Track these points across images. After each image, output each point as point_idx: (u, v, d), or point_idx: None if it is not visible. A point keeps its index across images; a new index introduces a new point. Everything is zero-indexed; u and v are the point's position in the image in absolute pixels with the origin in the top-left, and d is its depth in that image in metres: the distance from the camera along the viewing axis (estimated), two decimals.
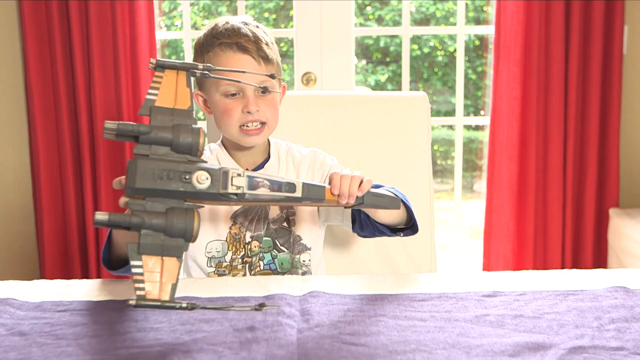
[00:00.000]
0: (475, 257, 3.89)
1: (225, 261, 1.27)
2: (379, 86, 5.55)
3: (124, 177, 0.92)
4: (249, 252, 1.28)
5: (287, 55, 4.47)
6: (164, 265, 0.85)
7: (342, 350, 0.84)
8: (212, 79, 1.16)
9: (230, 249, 1.27)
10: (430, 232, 1.53)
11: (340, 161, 1.35)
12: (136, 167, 0.88)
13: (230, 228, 1.28)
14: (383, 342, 0.86)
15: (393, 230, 1.22)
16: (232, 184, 0.90)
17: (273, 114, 1.25)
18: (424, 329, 0.90)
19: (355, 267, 1.52)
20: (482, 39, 5.38)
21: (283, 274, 1.29)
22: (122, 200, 0.95)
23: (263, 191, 0.92)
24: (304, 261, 1.31)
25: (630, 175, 2.56)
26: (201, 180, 0.89)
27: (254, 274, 1.28)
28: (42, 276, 2.46)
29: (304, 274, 1.30)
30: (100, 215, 0.87)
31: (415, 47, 5.48)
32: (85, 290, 1.07)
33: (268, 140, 1.34)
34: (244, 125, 1.23)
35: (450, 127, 4.64)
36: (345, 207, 1.04)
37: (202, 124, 2.50)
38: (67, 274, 2.45)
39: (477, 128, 5.39)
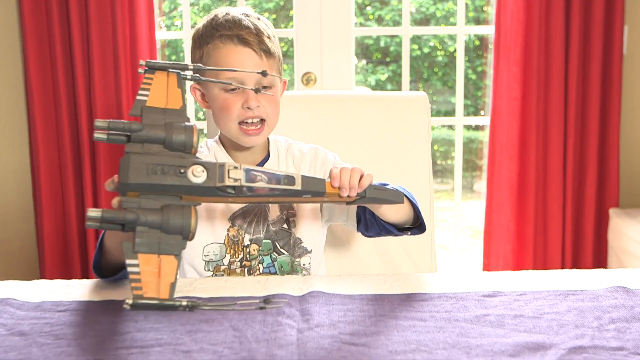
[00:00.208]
0: (475, 257, 3.88)
1: (224, 264, 1.24)
2: (379, 86, 5.55)
3: (116, 176, 0.88)
4: (247, 256, 1.25)
5: (287, 55, 4.47)
6: (161, 264, 0.81)
7: (342, 350, 0.84)
8: (211, 72, 1.16)
9: (228, 252, 1.24)
10: (430, 232, 1.53)
11: (341, 161, 1.35)
12: (129, 162, 0.85)
13: (228, 230, 1.24)
14: (383, 342, 0.86)
15: (400, 229, 1.19)
16: (229, 177, 0.87)
17: (274, 110, 1.22)
18: (424, 329, 0.90)
19: (355, 267, 1.52)
20: (482, 39, 5.38)
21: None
22: (115, 200, 0.90)
23: (261, 184, 0.90)
24: (304, 265, 1.28)
25: (630, 175, 2.56)
26: (197, 174, 0.86)
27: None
28: (42, 276, 2.46)
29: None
30: (93, 212, 0.83)
31: (415, 47, 5.48)
32: (85, 290, 1.06)
33: (267, 137, 1.30)
34: (243, 122, 1.19)
35: (450, 127, 4.64)
36: (347, 203, 1.02)
37: (202, 124, 2.51)
38: (67, 274, 2.45)
39: (477, 128, 5.38)
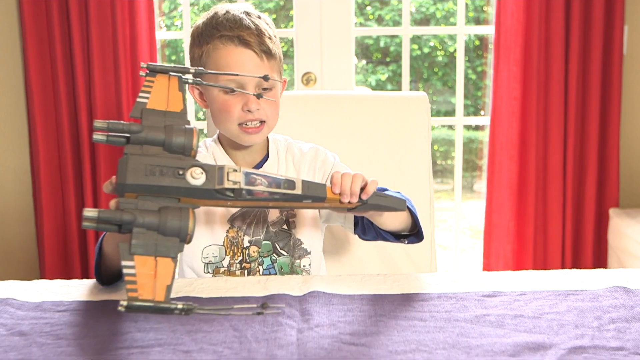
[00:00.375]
0: (475, 257, 3.88)
1: (223, 266, 1.23)
2: (379, 86, 5.55)
3: (114, 177, 0.87)
4: (247, 257, 1.24)
5: (287, 55, 4.47)
6: (157, 266, 0.80)
7: (342, 350, 0.84)
8: (210, 74, 1.14)
9: (227, 253, 1.23)
10: (430, 232, 1.53)
11: (341, 161, 1.34)
12: (127, 162, 0.84)
13: (228, 232, 1.23)
14: (383, 342, 0.86)
15: (397, 236, 1.18)
16: (228, 179, 0.86)
17: (273, 112, 1.21)
18: (424, 329, 0.90)
19: (355, 268, 1.52)
20: (482, 39, 5.38)
21: None
22: (113, 201, 0.88)
23: (261, 188, 0.88)
24: (304, 266, 1.27)
25: (630, 175, 2.56)
26: (196, 176, 0.85)
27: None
28: (42, 276, 2.46)
29: None
30: (90, 212, 0.82)
31: (415, 47, 5.48)
32: (85, 290, 1.06)
33: (267, 136, 1.29)
34: (243, 124, 1.18)
35: (450, 127, 4.64)
36: (348, 210, 1.00)
37: (202, 124, 2.51)
38: (67, 274, 2.45)
39: (477, 128, 5.38)
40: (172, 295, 1.01)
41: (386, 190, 1.14)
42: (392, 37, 5.46)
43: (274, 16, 5.24)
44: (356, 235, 1.27)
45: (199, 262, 1.23)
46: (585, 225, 2.50)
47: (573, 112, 2.42)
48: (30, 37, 2.33)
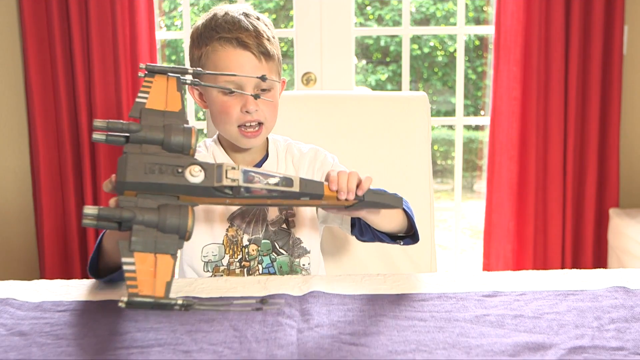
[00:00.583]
0: (475, 257, 3.88)
1: (223, 265, 1.24)
2: (379, 86, 5.55)
3: (114, 175, 0.88)
4: (246, 256, 1.24)
5: (287, 55, 4.47)
6: (157, 263, 0.80)
7: (342, 350, 0.84)
8: (209, 76, 1.16)
9: (227, 252, 1.23)
10: (430, 232, 1.53)
11: (340, 161, 1.34)
12: (127, 161, 0.85)
13: (227, 230, 1.24)
14: (383, 342, 0.86)
15: (393, 237, 1.19)
16: (226, 177, 0.87)
17: (272, 114, 1.21)
18: (424, 329, 0.90)
19: (355, 268, 1.52)
20: (482, 39, 5.38)
21: None
22: (113, 200, 0.89)
23: (259, 185, 0.89)
24: (303, 265, 1.27)
25: (630, 175, 2.56)
26: (194, 173, 0.86)
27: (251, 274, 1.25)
28: (42, 276, 2.46)
29: None
30: (89, 210, 0.83)
31: (415, 47, 5.48)
32: (85, 290, 1.06)
33: (267, 137, 1.30)
34: (242, 126, 1.19)
35: (450, 127, 4.64)
36: (346, 207, 1.01)
37: (201, 124, 2.51)
38: (67, 274, 2.45)
39: (477, 128, 5.38)
40: (172, 295, 1.01)
41: (383, 191, 1.14)
42: (392, 37, 5.47)
43: (273, 16, 5.24)
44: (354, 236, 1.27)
45: (199, 260, 1.24)
46: (585, 225, 2.50)
47: (573, 112, 2.42)
48: (30, 37, 2.33)
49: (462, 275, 1.12)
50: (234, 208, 1.25)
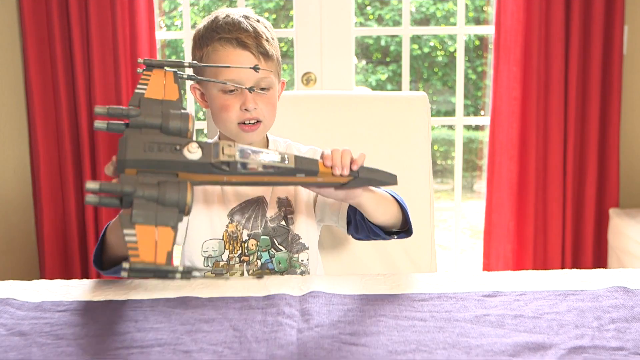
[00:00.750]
0: (475, 257, 3.88)
1: (223, 260, 1.26)
2: (379, 86, 5.55)
3: (115, 157, 0.91)
4: (245, 251, 1.26)
5: (287, 55, 4.47)
6: (158, 234, 0.82)
7: (342, 350, 0.84)
8: (210, 72, 1.21)
9: (227, 247, 1.26)
10: (430, 232, 1.53)
11: None
12: (127, 140, 0.88)
13: (227, 226, 1.27)
14: (383, 342, 0.86)
15: (388, 232, 1.21)
16: (223, 153, 0.90)
17: (270, 112, 1.24)
18: (424, 329, 0.90)
19: (355, 268, 1.52)
20: (482, 39, 5.38)
21: (281, 273, 1.28)
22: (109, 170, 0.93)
23: (255, 160, 0.92)
24: (302, 260, 1.29)
25: (630, 175, 2.56)
26: (192, 150, 0.88)
27: (252, 273, 1.27)
28: (42, 276, 2.46)
29: (302, 273, 1.29)
30: (91, 184, 0.85)
31: (416, 46, 5.48)
32: (86, 290, 1.06)
33: (267, 138, 1.33)
34: (241, 123, 1.22)
35: (450, 127, 4.64)
36: (342, 185, 1.01)
37: (202, 124, 2.51)
38: (67, 274, 2.45)
39: (477, 128, 5.39)
40: (172, 295, 1.01)
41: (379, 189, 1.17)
42: (392, 37, 5.47)
43: (273, 16, 5.24)
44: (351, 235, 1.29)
45: (199, 256, 1.26)
46: (585, 225, 2.50)
47: (573, 112, 2.42)
48: (30, 37, 2.33)
49: (462, 275, 1.12)
50: (234, 204, 1.27)
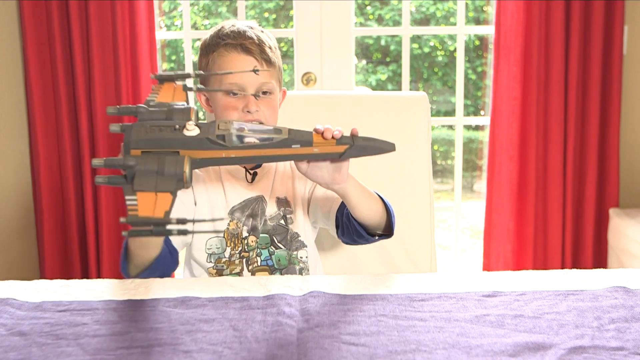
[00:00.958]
0: (475, 257, 3.89)
1: (225, 257, 1.30)
2: (379, 86, 5.55)
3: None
4: (245, 247, 1.30)
5: (287, 55, 4.47)
6: (157, 198, 0.87)
7: (342, 350, 0.84)
8: (215, 78, 1.28)
9: (228, 244, 1.30)
10: (430, 232, 1.53)
11: None
12: (132, 127, 0.94)
13: (229, 224, 1.31)
14: (383, 342, 0.86)
15: (371, 234, 1.25)
16: (219, 128, 0.94)
17: (272, 115, 1.29)
18: (424, 329, 0.90)
19: (355, 268, 1.52)
20: (482, 39, 5.38)
21: (280, 270, 1.30)
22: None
23: (250, 134, 0.96)
24: (301, 257, 1.33)
25: (630, 175, 2.56)
26: (190, 128, 0.94)
27: (252, 270, 1.29)
28: (42, 276, 2.46)
29: (301, 270, 1.31)
30: (97, 161, 0.91)
31: (416, 46, 5.48)
32: (85, 290, 1.06)
33: None
34: None
35: (450, 127, 4.64)
36: (340, 156, 1.02)
37: None
38: (67, 274, 2.45)
39: (477, 128, 5.39)
40: (172, 295, 1.01)
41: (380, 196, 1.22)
42: (392, 36, 5.47)
43: (273, 16, 5.24)
44: (340, 240, 1.32)
45: (203, 252, 1.31)
46: (585, 225, 2.50)
47: (573, 112, 2.42)
48: (30, 37, 2.33)
49: (462, 275, 1.12)
50: (235, 202, 1.31)
